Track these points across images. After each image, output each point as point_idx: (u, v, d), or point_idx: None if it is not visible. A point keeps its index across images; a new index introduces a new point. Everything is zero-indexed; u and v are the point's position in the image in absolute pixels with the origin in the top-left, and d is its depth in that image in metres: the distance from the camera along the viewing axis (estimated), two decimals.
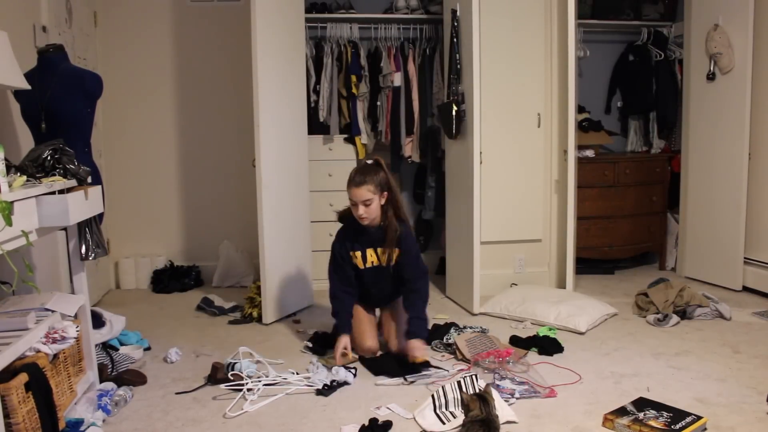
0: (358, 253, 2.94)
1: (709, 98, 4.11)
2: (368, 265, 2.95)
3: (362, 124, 4.28)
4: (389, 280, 2.99)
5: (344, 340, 2.86)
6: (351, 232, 2.93)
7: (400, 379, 2.64)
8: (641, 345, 3.05)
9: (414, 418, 2.27)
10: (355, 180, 2.78)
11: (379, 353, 2.95)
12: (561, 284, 4.02)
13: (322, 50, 4.23)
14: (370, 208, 2.78)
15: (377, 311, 3.17)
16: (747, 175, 3.87)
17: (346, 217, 2.98)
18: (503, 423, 2.19)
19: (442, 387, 2.37)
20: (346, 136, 4.31)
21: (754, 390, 2.47)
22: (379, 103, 4.30)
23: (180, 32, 4.41)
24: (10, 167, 2.08)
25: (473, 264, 3.54)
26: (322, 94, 4.22)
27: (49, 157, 2.23)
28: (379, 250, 2.91)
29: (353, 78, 4.20)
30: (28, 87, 2.49)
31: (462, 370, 2.74)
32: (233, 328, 3.45)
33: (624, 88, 4.85)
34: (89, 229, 2.37)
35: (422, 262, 2.99)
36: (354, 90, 4.21)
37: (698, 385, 2.55)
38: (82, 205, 2.17)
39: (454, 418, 2.22)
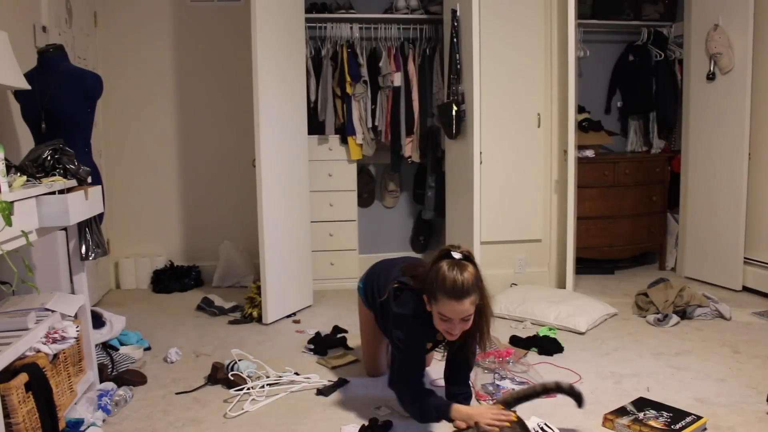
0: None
1: (709, 98, 4.11)
2: None
3: (357, 124, 4.26)
4: None
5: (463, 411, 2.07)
6: (424, 325, 2.14)
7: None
8: (641, 345, 3.05)
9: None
10: (456, 290, 1.95)
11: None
12: (561, 284, 4.02)
13: (322, 50, 4.23)
14: (468, 323, 2.03)
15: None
16: (747, 175, 3.87)
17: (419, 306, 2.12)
18: None
19: None
20: (340, 136, 4.26)
21: (754, 390, 2.47)
22: (378, 103, 4.29)
23: (180, 32, 4.41)
24: (10, 167, 2.08)
25: None
26: (321, 94, 4.21)
27: (49, 157, 2.23)
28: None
29: (348, 77, 4.18)
30: (28, 87, 2.49)
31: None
32: (233, 328, 3.45)
33: (624, 88, 4.84)
34: (89, 229, 2.38)
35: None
36: (348, 89, 4.19)
37: (698, 385, 2.55)
38: (82, 205, 2.17)
39: None
